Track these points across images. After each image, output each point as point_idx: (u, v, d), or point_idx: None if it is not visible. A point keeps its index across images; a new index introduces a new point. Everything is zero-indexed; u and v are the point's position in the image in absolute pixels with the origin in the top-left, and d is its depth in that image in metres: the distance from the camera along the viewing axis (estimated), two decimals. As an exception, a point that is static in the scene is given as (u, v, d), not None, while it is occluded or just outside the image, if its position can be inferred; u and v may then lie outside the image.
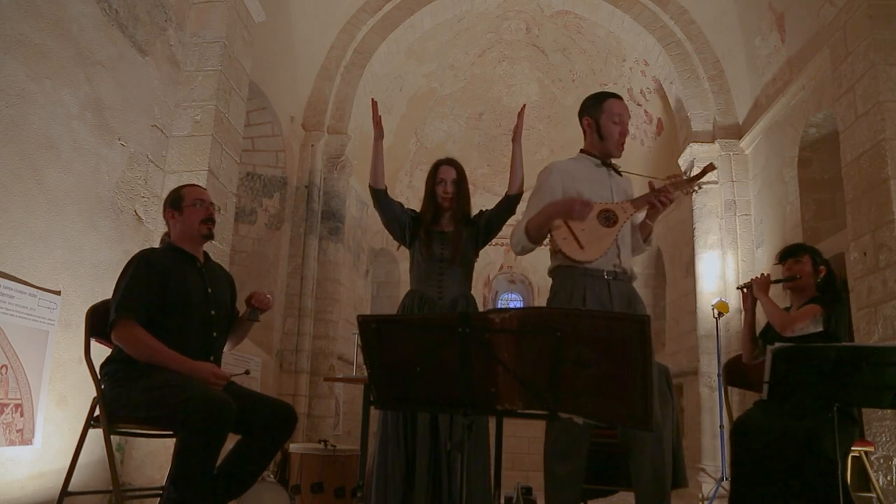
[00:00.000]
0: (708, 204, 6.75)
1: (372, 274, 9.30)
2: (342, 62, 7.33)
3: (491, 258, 10.32)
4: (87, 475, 3.34)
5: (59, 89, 3.36)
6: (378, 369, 1.78)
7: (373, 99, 3.07)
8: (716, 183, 6.71)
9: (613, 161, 2.85)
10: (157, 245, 2.79)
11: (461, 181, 3.15)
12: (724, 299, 5.99)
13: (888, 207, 3.82)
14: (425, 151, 9.70)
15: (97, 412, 2.38)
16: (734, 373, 3.49)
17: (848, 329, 3.20)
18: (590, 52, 8.63)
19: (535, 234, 2.68)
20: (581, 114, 2.85)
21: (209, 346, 2.54)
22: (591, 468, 2.72)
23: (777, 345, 2.52)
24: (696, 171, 2.69)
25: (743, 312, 3.38)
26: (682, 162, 7.05)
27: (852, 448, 3.04)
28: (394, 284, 9.83)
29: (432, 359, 1.72)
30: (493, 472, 2.63)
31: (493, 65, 9.30)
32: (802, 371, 2.48)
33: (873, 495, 3.49)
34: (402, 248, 3.23)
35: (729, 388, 3.56)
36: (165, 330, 2.40)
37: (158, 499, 2.74)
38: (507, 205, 3.11)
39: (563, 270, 2.65)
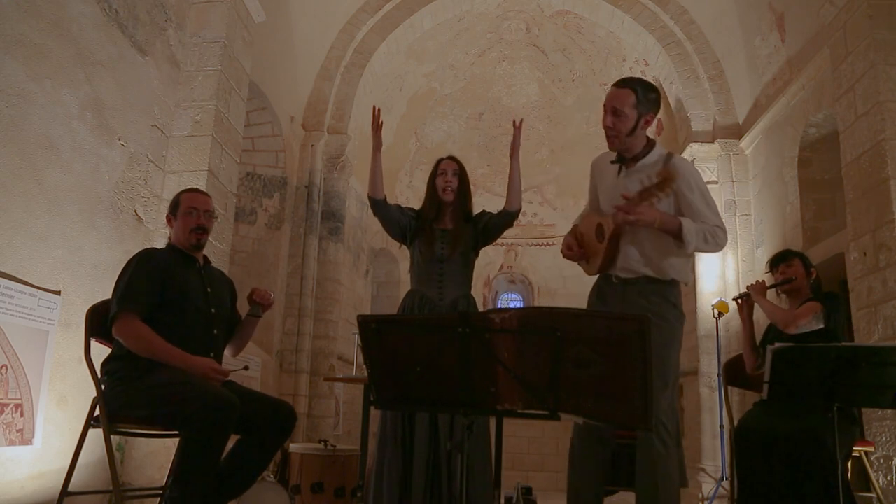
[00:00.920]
0: (708, 204, 6.74)
1: (372, 274, 9.30)
2: (342, 62, 7.33)
3: (491, 258, 10.31)
4: (87, 475, 3.34)
5: (59, 89, 3.36)
6: (378, 369, 1.78)
7: (375, 106, 3.01)
8: (716, 183, 6.71)
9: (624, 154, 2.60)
10: (158, 245, 2.80)
11: (462, 176, 3.16)
12: (724, 299, 5.99)
13: (888, 207, 3.82)
14: (425, 151, 9.70)
15: (97, 412, 2.38)
16: (734, 373, 3.49)
17: (845, 326, 3.21)
18: (590, 52, 8.63)
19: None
20: None
21: (210, 343, 2.55)
22: None
23: (777, 345, 2.52)
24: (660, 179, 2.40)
25: (741, 323, 3.39)
26: (682, 162, 7.04)
27: (853, 448, 3.04)
28: (394, 284, 9.82)
29: (432, 359, 1.72)
30: (493, 472, 2.63)
31: (493, 65, 9.30)
32: (802, 371, 2.48)
33: (873, 495, 3.50)
34: (403, 247, 3.23)
35: (729, 388, 3.56)
36: (166, 326, 2.41)
37: (158, 499, 2.75)
38: (507, 219, 3.12)
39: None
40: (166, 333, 2.39)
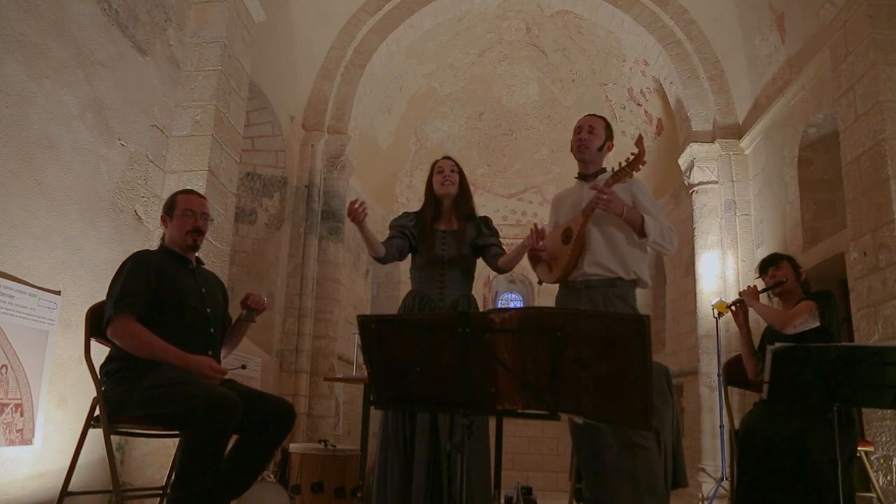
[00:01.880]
0: (708, 204, 6.75)
1: (372, 274, 9.30)
2: (342, 62, 7.33)
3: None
4: (87, 475, 3.34)
5: (59, 89, 3.36)
6: (378, 369, 1.78)
7: (351, 203, 2.81)
8: (716, 183, 6.72)
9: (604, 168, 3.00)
10: (157, 245, 2.81)
11: (461, 175, 3.17)
12: (723, 299, 5.99)
13: (888, 207, 3.82)
14: (425, 151, 9.70)
15: (97, 412, 2.38)
16: (734, 373, 3.49)
17: (843, 325, 3.22)
18: (590, 52, 8.63)
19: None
20: None
21: (207, 342, 2.56)
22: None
23: (777, 345, 2.52)
24: (630, 158, 2.78)
25: (738, 329, 3.41)
26: (682, 162, 7.05)
27: (855, 449, 3.04)
28: (394, 284, 9.83)
29: (432, 359, 1.72)
30: (493, 472, 2.64)
31: (493, 65, 9.30)
32: (802, 371, 2.49)
33: (873, 495, 3.50)
34: None
35: (729, 388, 3.56)
36: (164, 327, 2.41)
37: (158, 499, 2.75)
38: (494, 267, 3.14)
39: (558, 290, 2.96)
40: (164, 334, 2.39)
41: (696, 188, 6.84)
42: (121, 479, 3.51)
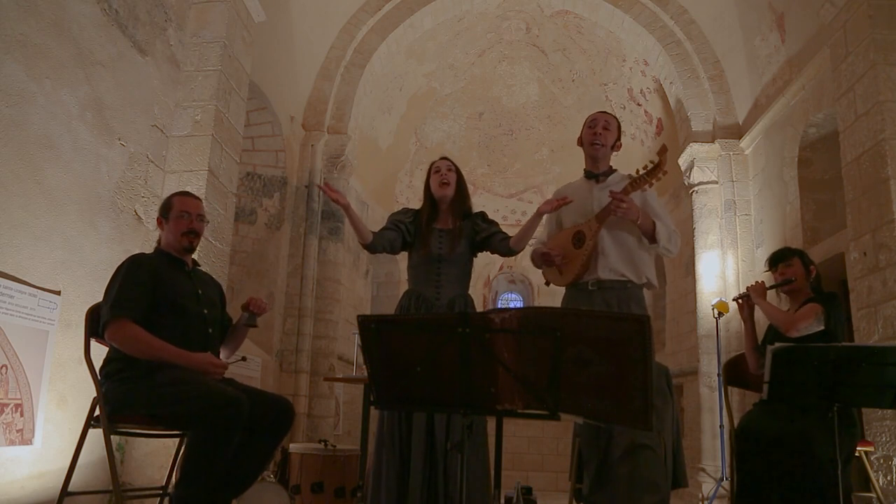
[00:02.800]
0: (708, 204, 6.75)
1: (372, 274, 9.31)
2: (342, 62, 7.33)
3: (491, 258, 10.31)
4: (87, 475, 3.34)
5: (59, 89, 3.36)
6: (378, 369, 1.78)
7: (320, 185, 3.02)
8: (716, 183, 6.71)
9: (612, 168, 3.01)
10: (155, 243, 2.81)
11: (459, 175, 3.17)
12: (723, 299, 5.99)
13: (888, 207, 3.82)
14: (425, 151, 9.70)
15: (97, 412, 2.38)
16: (734, 373, 3.49)
17: (844, 327, 3.20)
18: (590, 52, 8.63)
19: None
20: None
21: (206, 342, 2.57)
22: (582, 469, 2.76)
23: (777, 345, 2.52)
24: (650, 166, 2.82)
25: (742, 323, 3.37)
26: (682, 162, 7.05)
27: (854, 450, 3.04)
28: (394, 284, 9.83)
29: (432, 359, 1.72)
30: (493, 472, 2.64)
31: (493, 65, 9.30)
32: (802, 371, 2.48)
33: (873, 495, 3.50)
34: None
35: (729, 388, 3.56)
36: (162, 328, 2.42)
37: (158, 499, 2.75)
38: (504, 252, 3.11)
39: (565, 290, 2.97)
40: (162, 335, 2.39)
41: (696, 188, 6.84)
42: (121, 479, 3.51)
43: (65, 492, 2.39)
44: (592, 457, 2.66)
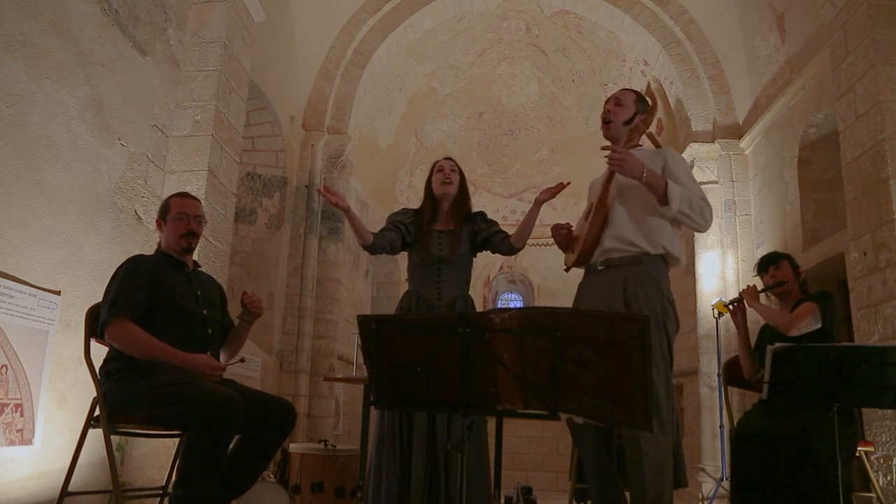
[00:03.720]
0: (708, 204, 6.74)
1: (372, 274, 9.30)
2: (342, 62, 7.33)
3: (491, 258, 10.31)
4: (87, 475, 3.34)
5: (59, 89, 3.36)
6: (378, 369, 1.78)
7: (319, 189, 2.92)
8: (716, 183, 6.71)
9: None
10: (154, 248, 2.82)
11: (461, 176, 3.18)
12: (723, 299, 5.98)
13: (888, 207, 3.82)
14: (425, 151, 9.70)
15: (97, 412, 2.39)
16: (734, 373, 3.49)
17: (843, 326, 3.21)
18: (590, 52, 8.63)
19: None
20: None
21: (206, 343, 2.57)
22: (582, 468, 2.74)
23: (777, 345, 2.52)
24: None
25: (735, 328, 3.39)
26: (682, 162, 7.04)
27: (855, 448, 3.04)
28: (394, 284, 9.83)
29: (432, 359, 1.72)
30: (493, 472, 2.63)
31: (493, 65, 9.29)
32: (802, 371, 2.48)
33: (873, 495, 3.50)
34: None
35: (729, 388, 3.56)
36: (161, 329, 2.42)
37: (158, 499, 2.75)
38: (506, 251, 3.09)
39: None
40: (161, 336, 2.40)
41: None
42: (121, 479, 3.51)
43: (65, 492, 2.39)
44: (592, 461, 2.62)
